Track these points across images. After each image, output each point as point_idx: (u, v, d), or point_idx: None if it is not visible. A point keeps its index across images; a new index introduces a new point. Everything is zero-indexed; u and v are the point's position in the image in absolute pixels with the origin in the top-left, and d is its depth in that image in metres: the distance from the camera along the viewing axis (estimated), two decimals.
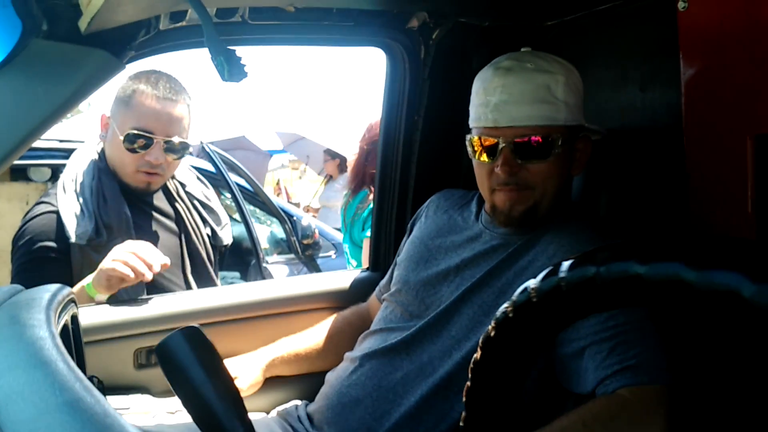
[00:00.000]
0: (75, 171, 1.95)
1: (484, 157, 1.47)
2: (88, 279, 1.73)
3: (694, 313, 0.41)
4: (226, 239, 2.18)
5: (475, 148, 1.49)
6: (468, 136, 1.52)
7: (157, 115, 1.89)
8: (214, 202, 2.21)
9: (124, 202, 1.92)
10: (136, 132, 1.87)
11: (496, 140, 1.43)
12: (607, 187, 1.66)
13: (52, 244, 1.84)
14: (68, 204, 1.87)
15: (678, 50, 1.39)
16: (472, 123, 1.52)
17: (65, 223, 1.83)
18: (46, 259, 1.82)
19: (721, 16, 1.31)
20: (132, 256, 1.69)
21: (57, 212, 1.86)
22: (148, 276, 1.69)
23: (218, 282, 2.14)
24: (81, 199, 1.88)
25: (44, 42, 1.32)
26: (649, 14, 1.63)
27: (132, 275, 1.67)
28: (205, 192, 2.20)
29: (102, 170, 1.94)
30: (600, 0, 1.70)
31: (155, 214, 2.02)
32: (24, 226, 1.88)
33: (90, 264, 1.80)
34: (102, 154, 1.99)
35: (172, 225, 2.04)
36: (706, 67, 1.35)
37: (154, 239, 1.93)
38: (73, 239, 1.81)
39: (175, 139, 1.91)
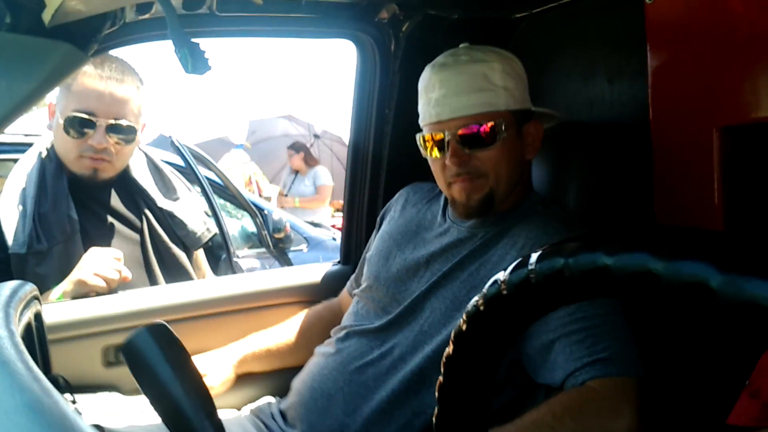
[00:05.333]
0: (20, 170, 1.84)
1: (435, 153, 1.49)
2: (59, 290, 1.67)
3: (664, 304, 0.41)
4: (199, 242, 2.06)
5: (426, 146, 1.51)
6: (418, 135, 1.54)
7: (99, 96, 1.78)
8: (180, 205, 2.05)
9: (71, 203, 1.80)
10: (76, 114, 1.76)
11: (442, 134, 1.46)
12: (574, 179, 1.67)
13: None
14: (8, 209, 1.75)
15: (645, 42, 1.40)
16: (420, 123, 1.54)
17: (3, 230, 1.72)
18: None
19: (688, 8, 1.32)
20: (111, 270, 1.68)
21: None
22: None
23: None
24: (21, 203, 1.76)
25: (7, 35, 1.28)
26: (617, 6, 1.64)
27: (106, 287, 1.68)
28: (169, 198, 2.04)
29: (48, 168, 1.83)
30: None
31: (110, 218, 1.90)
32: None
33: (31, 274, 1.70)
34: (51, 149, 1.87)
35: (130, 229, 1.92)
36: (673, 59, 1.37)
37: (104, 245, 1.82)
38: (13, 249, 1.70)
39: (123, 122, 1.80)
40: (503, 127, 1.43)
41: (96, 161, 1.83)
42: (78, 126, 1.78)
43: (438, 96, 1.45)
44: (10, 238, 1.72)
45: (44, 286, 1.71)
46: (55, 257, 1.75)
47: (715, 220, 1.27)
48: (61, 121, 1.77)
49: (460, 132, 1.43)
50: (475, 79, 1.44)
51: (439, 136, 1.47)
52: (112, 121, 1.80)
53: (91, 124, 1.78)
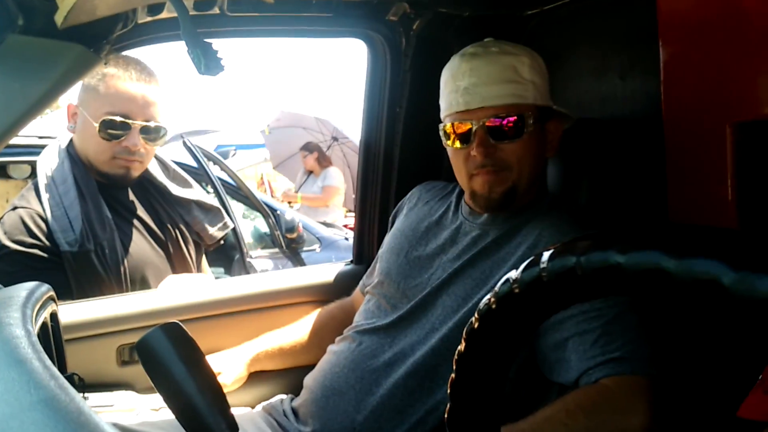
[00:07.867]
0: (48, 171, 1.85)
1: (458, 144, 1.48)
2: None
3: (676, 302, 0.41)
4: (216, 236, 2.11)
5: (449, 136, 1.49)
6: (440, 125, 1.52)
7: (132, 98, 1.82)
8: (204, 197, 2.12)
9: (104, 203, 1.84)
10: (111, 118, 1.79)
11: (469, 124, 1.44)
12: (587, 176, 1.67)
13: (42, 254, 1.73)
14: (53, 209, 1.77)
15: (657, 38, 1.40)
16: (444, 112, 1.53)
17: (54, 230, 1.74)
18: (38, 269, 1.71)
19: (700, 3, 1.31)
20: None
21: (43, 218, 1.76)
22: None
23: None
24: (60, 202, 1.78)
25: (20, 37, 1.29)
26: (629, 2, 1.64)
27: None
28: (189, 191, 2.10)
29: (77, 168, 1.85)
30: None
31: (130, 217, 1.93)
32: (5, 235, 1.74)
33: (86, 271, 1.74)
34: (73, 150, 1.89)
35: (148, 228, 1.95)
36: (685, 55, 1.36)
37: (129, 244, 1.86)
38: (65, 247, 1.73)
39: (152, 124, 1.85)
40: (530, 121, 1.43)
41: (129, 162, 1.86)
42: (113, 129, 1.81)
43: (467, 84, 1.44)
44: (62, 240, 1.74)
45: (92, 284, 1.75)
46: (101, 256, 1.78)
47: (729, 216, 1.26)
48: (96, 125, 1.79)
49: (488, 123, 1.42)
50: (506, 71, 1.43)
51: (463, 127, 1.45)
52: (145, 124, 1.84)
53: (126, 127, 1.81)
